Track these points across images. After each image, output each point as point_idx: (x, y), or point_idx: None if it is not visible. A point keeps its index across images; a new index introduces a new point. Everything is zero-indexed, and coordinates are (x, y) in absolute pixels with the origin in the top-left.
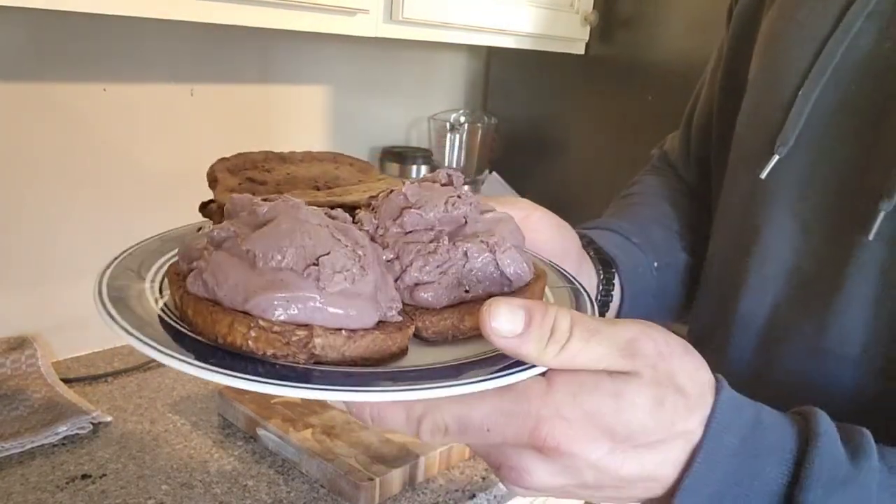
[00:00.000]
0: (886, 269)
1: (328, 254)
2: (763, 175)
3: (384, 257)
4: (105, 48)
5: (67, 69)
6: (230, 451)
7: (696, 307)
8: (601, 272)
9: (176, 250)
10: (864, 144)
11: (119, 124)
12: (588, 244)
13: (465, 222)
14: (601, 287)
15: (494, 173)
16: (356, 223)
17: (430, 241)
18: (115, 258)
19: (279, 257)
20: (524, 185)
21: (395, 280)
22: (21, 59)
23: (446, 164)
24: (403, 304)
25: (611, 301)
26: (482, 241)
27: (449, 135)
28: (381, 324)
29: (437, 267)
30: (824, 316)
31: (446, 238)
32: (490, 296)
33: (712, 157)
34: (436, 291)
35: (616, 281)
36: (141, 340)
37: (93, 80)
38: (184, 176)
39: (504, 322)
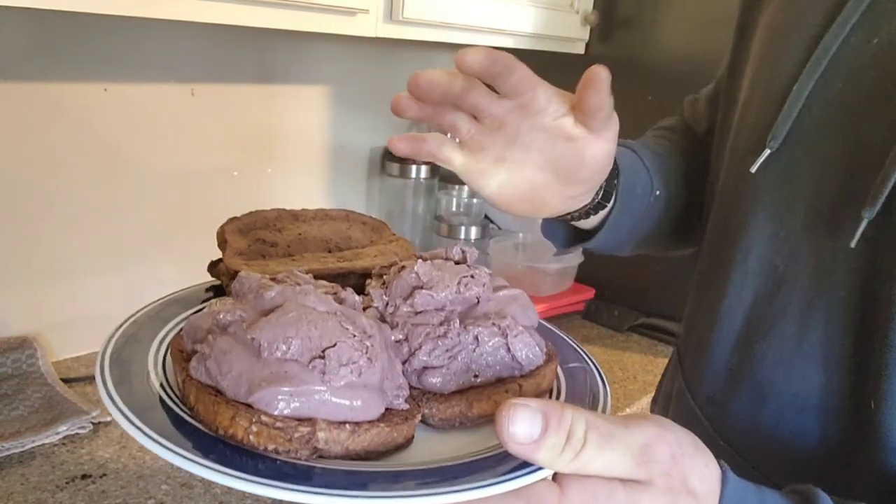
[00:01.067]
0: (866, 277)
1: (334, 346)
2: (753, 169)
3: (392, 338)
4: (106, 48)
5: (68, 69)
6: None
7: (687, 299)
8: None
9: (180, 315)
10: (849, 145)
11: (120, 124)
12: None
13: (478, 302)
14: (600, 194)
15: None
16: (366, 295)
17: (441, 324)
18: (119, 326)
19: (284, 348)
20: None
21: (403, 363)
22: (21, 59)
23: None
24: (410, 387)
25: (601, 209)
26: (494, 324)
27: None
28: (387, 412)
29: (447, 351)
30: (804, 318)
31: (457, 321)
32: (500, 380)
33: (715, 136)
34: (444, 377)
35: (613, 195)
36: (144, 433)
37: (93, 80)
38: (184, 175)
39: (523, 427)
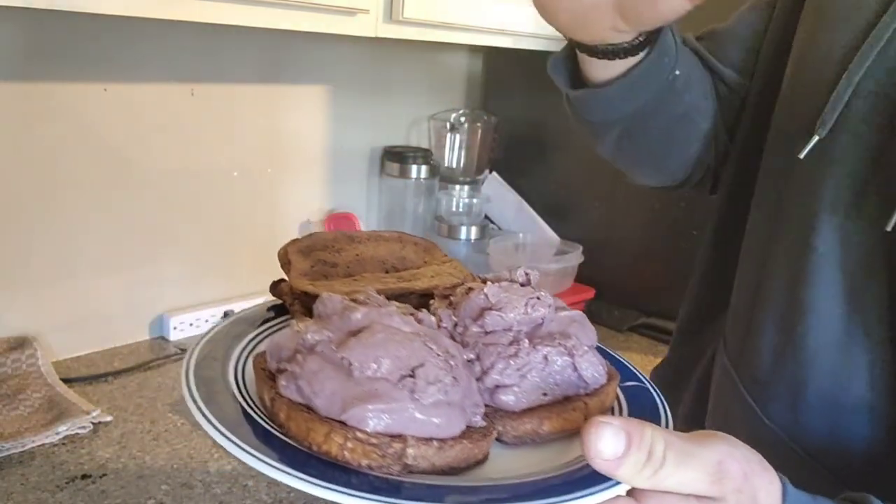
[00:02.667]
0: None
1: (422, 365)
2: (802, 155)
3: (465, 356)
4: (105, 48)
5: (68, 69)
6: None
7: (735, 285)
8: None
9: (250, 334)
10: (889, 133)
11: (119, 124)
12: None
13: (542, 322)
14: (640, 39)
15: (494, 173)
16: (432, 313)
17: (511, 344)
18: (197, 344)
19: (375, 367)
20: (524, 185)
21: (476, 380)
22: (21, 60)
23: (446, 163)
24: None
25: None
26: (561, 345)
27: (449, 135)
28: (466, 428)
29: (518, 370)
30: (850, 301)
31: (526, 341)
32: (566, 398)
33: (749, 107)
34: (516, 395)
35: (650, 49)
36: (240, 447)
37: (93, 80)
38: (184, 175)
39: (608, 445)
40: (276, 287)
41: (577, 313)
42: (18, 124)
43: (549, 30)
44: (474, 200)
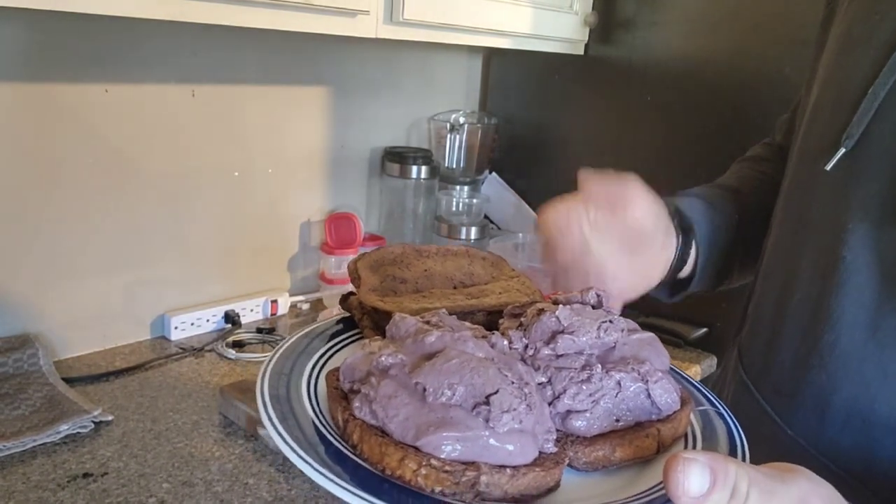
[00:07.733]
0: None
1: (497, 392)
2: (828, 167)
3: (536, 380)
4: (106, 49)
5: (69, 70)
6: (231, 450)
7: (755, 293)
8: (681, 237)
9: (321, 349)
10: None
11: (121, 125)
12: (674, 212)
13: (614, 346)
14: (679, 248)
15: (494, 174)
16: (502, 334)
17: (583, 368)
18: (269, 360)
19: (449, 393)
20: (524, 185)
21: (548, 405)
22: (22, 61)
23: (446, 164)
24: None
25: (687, 259)
26: (634, 370)
27: (449, 135)
28: (538, 455)
29: (590, 395)
30: (878, 308)
31: (599, 366)
32: (638, 424)
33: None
34: (588, 421)
35: (693, 243)
36: (314, 468)
37: (94, 81)
38: (184, 176)
39: (694, 482)
40: (345, 301)
41: (650, 336)
42: (20, 125)
43: (549, 30)
44: (474, 200)
